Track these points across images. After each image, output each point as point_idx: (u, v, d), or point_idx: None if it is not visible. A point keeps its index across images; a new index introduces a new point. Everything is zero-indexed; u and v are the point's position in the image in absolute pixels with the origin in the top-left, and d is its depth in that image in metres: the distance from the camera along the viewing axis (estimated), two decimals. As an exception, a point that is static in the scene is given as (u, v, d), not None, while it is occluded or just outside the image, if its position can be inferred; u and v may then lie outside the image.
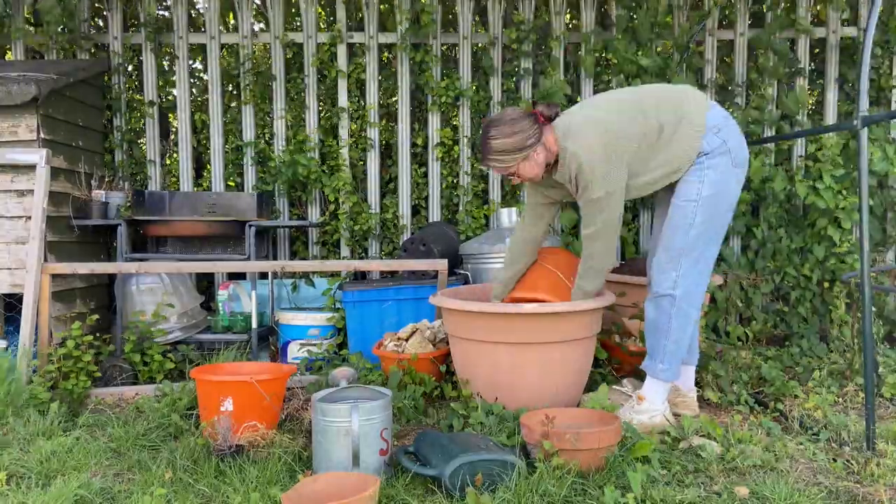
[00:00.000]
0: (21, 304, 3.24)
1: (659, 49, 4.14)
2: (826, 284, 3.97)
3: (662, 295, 2.50)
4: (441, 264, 3.46)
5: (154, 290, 3.64)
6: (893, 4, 4.18)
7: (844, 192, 3.83)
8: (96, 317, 3.50)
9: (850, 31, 4.25)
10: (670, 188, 2.53)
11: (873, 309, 3.24)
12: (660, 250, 2.53)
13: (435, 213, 4.32)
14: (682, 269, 2.47)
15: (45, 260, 3.33)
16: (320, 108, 4.36)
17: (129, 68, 4.39)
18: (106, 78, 4.22)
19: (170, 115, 4.54)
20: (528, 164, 2.47)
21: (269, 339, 3.86)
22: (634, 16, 4.17)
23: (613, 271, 3.48)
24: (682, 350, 2.54)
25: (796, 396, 2.84)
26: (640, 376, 2.94)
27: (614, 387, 2.81)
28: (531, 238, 2.81)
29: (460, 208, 4.30)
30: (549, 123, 2.49)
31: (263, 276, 4.00)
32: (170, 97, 4.51)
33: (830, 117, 4.26)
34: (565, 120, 2.49)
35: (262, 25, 4.68)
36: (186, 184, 4.27)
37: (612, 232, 2.50)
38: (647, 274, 2.71)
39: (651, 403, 2.53)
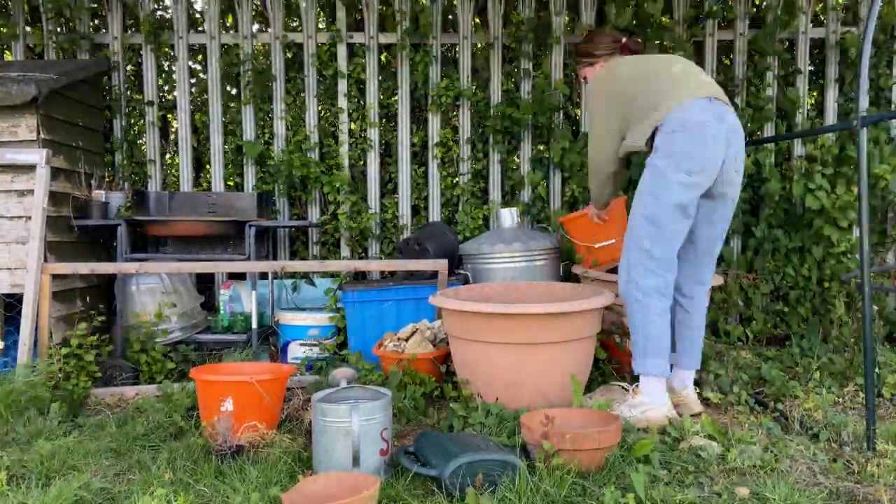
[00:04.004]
0: (21, 304, 3.24)
1: (657, 49, 4.14)
2: (826, 284, 3.97)
3: (622, 292, 2.61)
4: (441, 264, 3.47)
5: (154, 290, 3.64)
6: (892, 4, 4.18)
7: (837, 191, 3.83)
8: (102, 318, 3.50)
9: (849, 31, 4.25)
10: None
11: (874, 308, 3.24)
12: None
13: (435, 213, 4.32)
14: (629, 262, 2.59)
15: (46, 260, 3.34)
16: (320, 108, 4.36)
17: (129, 68, 4.39)
18: (106, 78, 4.22)
19: (169, 115, 4.54)
20: (592, 70, 2.94)
21: (269, 339, 3.86)
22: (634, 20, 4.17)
23: (611, 271, 3.48)
24: (656, 342, 2.54)
25: (796, 396, 2.84)
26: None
27: (614, 383, 2.82)
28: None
29: (460, 208, 4.30)
30: (626, 54, 2.88)
31: (263, 276, 4.00)
32: (170, 97, 4.51)
33: (830, 117, 4.26)
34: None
35: (261, 25, 4.68)
36: (186, 184, 4.27)
37: (595, 138, 2.82)
38: None
39: (646, 396, 2.55)
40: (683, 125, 2.49)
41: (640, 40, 3.00)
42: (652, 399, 2.53)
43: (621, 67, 2.74)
